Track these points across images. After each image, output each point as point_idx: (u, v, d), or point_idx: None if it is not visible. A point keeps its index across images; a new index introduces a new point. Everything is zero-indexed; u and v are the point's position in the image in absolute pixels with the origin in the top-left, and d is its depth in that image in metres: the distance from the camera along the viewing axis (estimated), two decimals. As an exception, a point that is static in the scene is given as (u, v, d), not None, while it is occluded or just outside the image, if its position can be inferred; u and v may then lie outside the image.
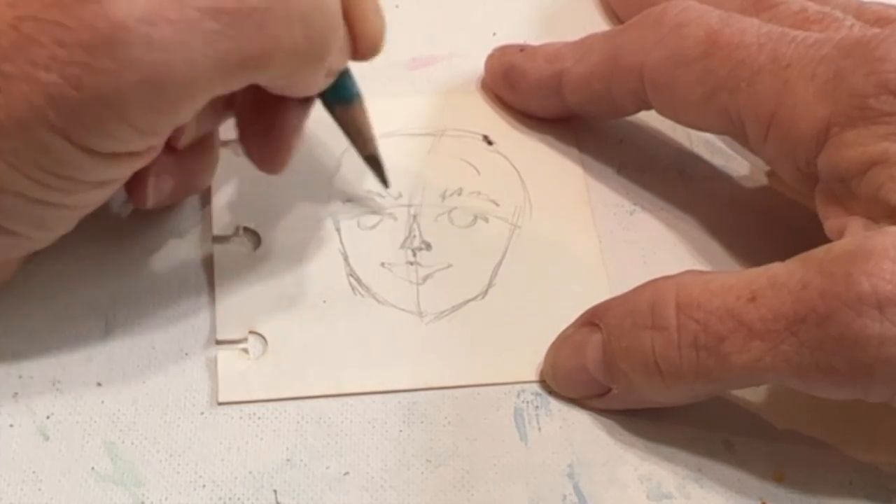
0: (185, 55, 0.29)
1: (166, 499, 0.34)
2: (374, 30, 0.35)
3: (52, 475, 0.34)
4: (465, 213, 0.41)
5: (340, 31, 0.33)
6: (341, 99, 0.38)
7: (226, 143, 0.41)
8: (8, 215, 0.31)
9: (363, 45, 0.35)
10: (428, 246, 0.40)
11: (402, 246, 0.40)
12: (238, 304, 0.38)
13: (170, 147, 0.35)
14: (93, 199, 0.33)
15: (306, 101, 0.37)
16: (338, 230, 0.40)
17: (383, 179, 0.40)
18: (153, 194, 0.37)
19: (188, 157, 0.37)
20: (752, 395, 0.37)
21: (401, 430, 0.36)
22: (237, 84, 0.32)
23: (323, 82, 0.35)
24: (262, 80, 0.33)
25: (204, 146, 0.37)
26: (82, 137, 0.30)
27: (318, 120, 0.39)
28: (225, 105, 0.36)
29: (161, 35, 0.29)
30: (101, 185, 0.32)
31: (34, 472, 0.34)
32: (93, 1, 0.29)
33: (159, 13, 0.29)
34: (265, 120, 0.36)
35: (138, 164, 0.32)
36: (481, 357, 0.38)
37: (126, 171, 0.32)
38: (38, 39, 0.29)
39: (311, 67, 0.33)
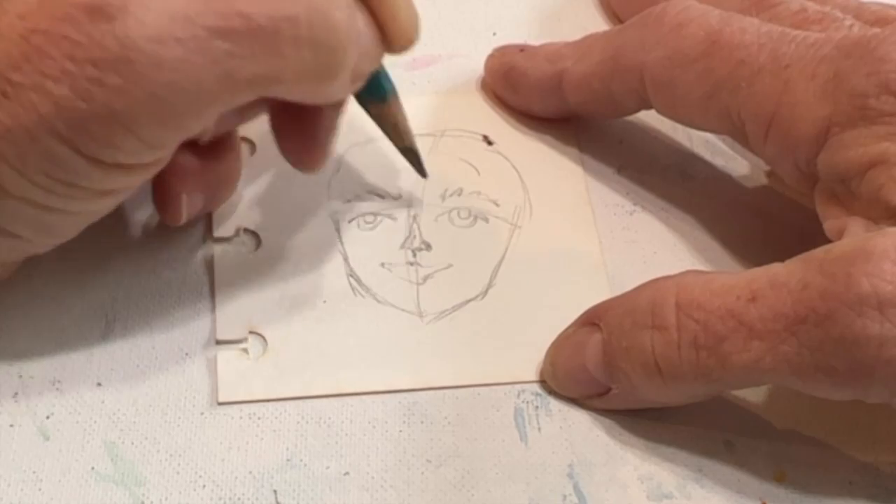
0: (193, 74, 0.30)
1: (166, 499, 0.34)
2: (407, 24, 0.35)
3: (52, 475, 0.34)
4: (465, 213, 0.41)
5: (353, 49, 0.33)
6: (374, 98, 0.38)
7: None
8: (13, 219, 0.31)
9: (397, 42, 0.35)
10: (428, 246, 0.40)
11: (402, 246, 0.40)
12: (238, 304, 0.38)
13: (197, 161, 0.36)
14: (98, 208, 0.33)
15: (338, 102, 0.37)
16: (338, 230, 0.40)
17: (421, 170, 0.40)
18: (186, 211, 0.37)
19: (215, 169, 0.37)
20: (753, 395, 0.37)
21: (401, 430, 0.36)
22: (246, 100, 0.32)
23: (349, 88, 0.35)
24: (275, 94, 0.33)
25: (229, 156, 0.37)
26: (89, 148, 0.30)
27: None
28: (248, 107, 0.37)
29: (170, 54, 0.29)
30: (107, 194, 0.32)
31: (34, 472, 0.34)
32: (104, 19, 0.29)
33: (169, 33, 0.29)
34: (298, 120, 0.36)
35: (145, 175, 0.33)
36: (481, 357, 0.38)
37: (132, 181, 0.33)
38: (48, 52, 0.29)
39: (322, 85, 0.33)
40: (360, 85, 0.35)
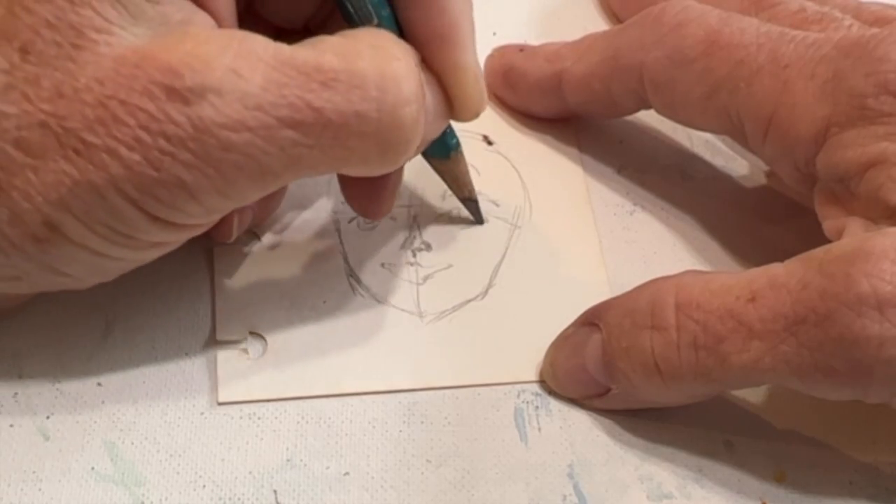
0: (260, 158, 0.30)
1: (166, 499, 0.34)
2: (476, 99, 0.35)
3: (52, 475, 0.34)
4: (465, 213, 0.41)
5: (419, 140, 0.33)
6: (438, 155, 0.39)
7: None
8: (69, 262, 0.32)
9: (463, 114, 0.36)
10: (428, 246, 0.40)
11: (402, 246, 0.40)
12: (238, 304, 0.38)
13: None
14: (151, 256, 0.33)
15: None
16: (338, 230, 0.40)
17: (479, 218, 0.41)
18: (237, 230, 0.37)
19: None
20: (753, 395, 0.37)
21: (401, 430, 0.36)
22: (309, 176, 0.33)
23: (415, 154, 0.35)
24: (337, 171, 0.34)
25: None
26: (154, 209, 0.30)
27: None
28: None
29: (240, 140, 0.30)
30: (162, 246, 0.33)
31: (34, 472, 0.34)
32: (181, 101, 0.29)
33: (241, 121, 0.30)
34: (368, 184, 0.37)
35: (203, 230, 0.33)
36: (481, 357, 0.38)
37: (189, 235, 0.33)
38: (124, 120, 0.29)
39: (384, 168, 0.33)
40: (421, 151, 0.36)
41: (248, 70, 0.30)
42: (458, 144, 0.38)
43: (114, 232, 0.31)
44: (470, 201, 0.40)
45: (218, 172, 0.30)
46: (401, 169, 0.37)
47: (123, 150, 0.29)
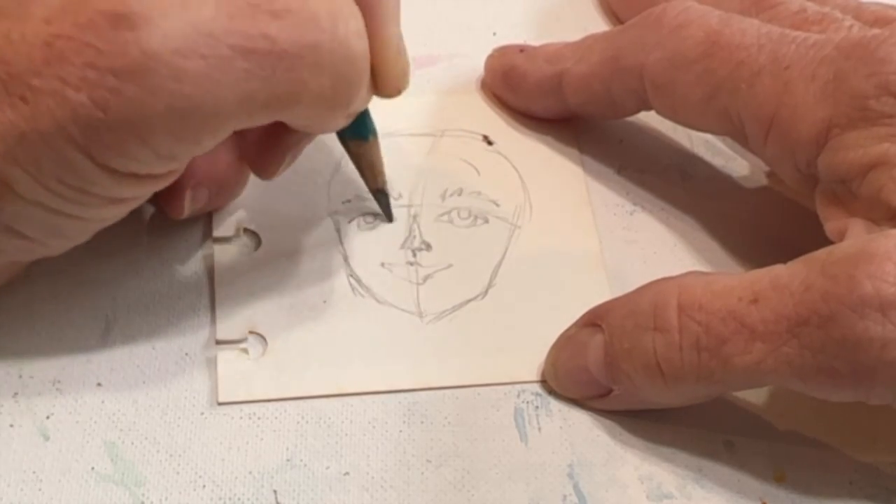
0: (212, 90, 0.30)
1: (166, 499, 0.34)
2: (398, 73, 0.35)
3: (52, 475, 0.34)
4: (465, 213, 0.41)
5: (367, 80, 0.33)
6: (357, 136, 0.38)
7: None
8: (24, 221, 0.31)
9: (386, 88, 0.35)
10: (428, 246, 0.40)
11: (402, 246, 0.40)
12: (238, 304, 0.38)
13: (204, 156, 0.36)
14: (110, 214, 0.33)
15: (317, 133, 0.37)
16: (338, 230, 0.40)
17: (388, 213, 0.40)
18: (189, 206, 0.37)
19: (222, 165, 0.37)
20: (753, 395, 0.37)
21: (401, 430, 0.36)
22: (260, 122, 0.32)
23: (343, 123, 0.35)
24: (285, 119, 0.33)
25: (235, 153, 0.38)
26: (104, 157, 0.30)
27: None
28: None
29: (192, 69, 0.29)
30: (118, 202, 0.33)
31: (34, 472, 0.34)
32: (127, 27, 0.29)
33: (192, 47, 0.29)
34: (269, 134, 0.36)
35: (157, 186, 0.33)
36: (481, 357, 0.38)
37: (144, 190, 0.33)
38: (69, 59, 0.29)
39: (334, 112, 0.33)
40: (349, 121, 0.35)
41: (196, 1, 0.29)
42: (376, 132, 0.38)
43: (66, 186, 0.30)
44: (381, 194, 0.40)
45: (168, 109, 0.29)
46: (305, 143, 0.37)
47: (70, 92, 0.29)
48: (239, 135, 0.36)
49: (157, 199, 0.36)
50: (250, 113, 0.31)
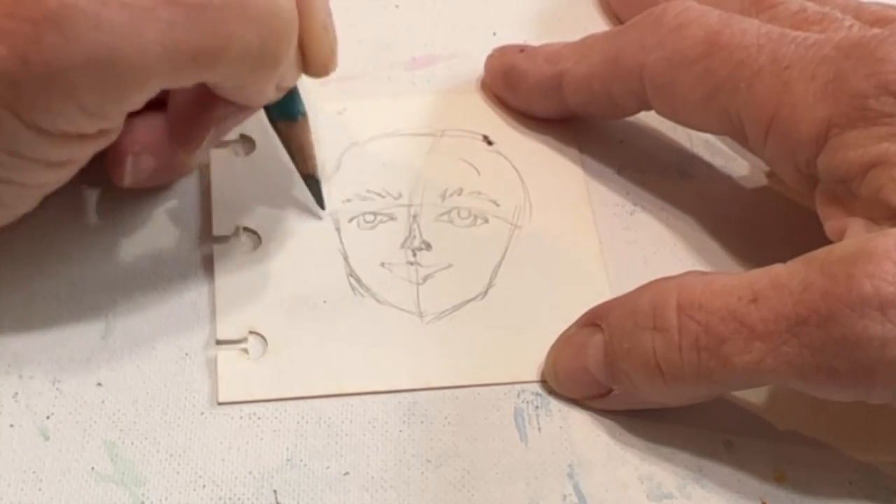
0: (135, 40, 0.29)
1: (166, 499, 0.34)
2: (325, 49, 0.35)
3: (52, 475, 0.34)
4: (465, 213, 0.41)
5: (294, 41, 0.33)
6: (286, 115, 0.38)
7: (226, 143, 0.41)
8: None
9: (314, 66, 0.35)
10: (428, 246, 0.40)
11: (402, 246, 0.40)
12: (238, 304, 0.38)
13: (146, 122, 0.35)
14: (49, 179, 0.33)
15: (244, 108, 0.36)
16: (338, 230, 0.40)
17: (320, 201, 0.40)
18: (131, 173, 0.37)
19: (170, 136, 0.37)
20: (753, 395, 0.37)
21: (401, 430, 0.36)
22: (186, 80, 0.32)
23: (272, 95, 0.35)
24: (213, 78, 0.33)
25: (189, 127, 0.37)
26: (30, 114, 0.30)
27: (319, 120, 0.39)
28: None
29: (112, 17, 0.29)
30: (56, 166, 0.32)
31: (34, 472, 0.34)
32: None
33: None
34: (194, 100, 0.36)
35: (93, 147, 0.32)
36: (481, 357, 0.37)
37: (80, 152, 0.32)
38: None
39: (261, 73, 0.33)
40: (279, 96, 0.35)
41: None
42: (306, 113, 0.38)
43: None
44: (312, 180, 0.40)
45: (90, 60, 0.29)
46: (227, 122, 0.36)
47: None
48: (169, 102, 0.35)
49: (104, 167, 0.36)
50: (174, 66, 0.31)
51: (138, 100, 0.32)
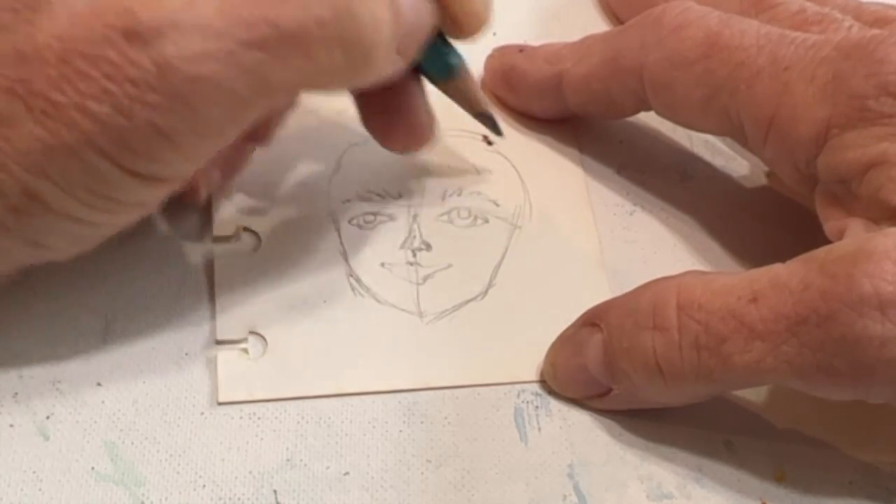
0: (228, 85, 0.30)
1: (166, 499, 0.34)
2: (478, 7, 0.34)
3: (52, 475, 0.34)
4: (464, 213, 0.41)
5: (386, 39, 0.32)
6: (440, 75, 0.38)
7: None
8: (49, 233, 0.32)
9: (466, 27, 0.35)
10: (428, 246, 0.40)
11: (402, 246, 0.40)
12: (238, 304, 0.38)
13: None
14: (130, 219, 0.33)
15: (413, 75, 0.36)
16: (338, 230, 0.40)
17: (497, 130, 0.40)
18: (205, 190, 0.37)
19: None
20: (753, 395, 0.37)
21: (401, 430, 0.36)
22: (280, 102, 0.33)
23: (396, 66, 0.34)
24: (310, 92, 0.33)
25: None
26: (130, 162, 0.30)
27: (318, 119, 0.39)
28: None
29: (205, 70, 0.30)
30: (141, 206, 0.33)
31: (34, 472, 0.34)
32: (140, 42, 0.29)
33: (202, 51, 0.29)
34: (380, 99, 0.36)
35: (178, 185, 0.33)
36: (481, 357, 0.38)
37: (167, 192, 0.33)
38: (87, 73, 0.29)
39: (352, 82, 0.33)
40: (409, 61, 0.35)
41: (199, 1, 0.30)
42: (459, 63, 0.37)
43: (93, 195, 0.31)
44: (485, 116, 0.40)
45: (189, 108, 0.30)
46: (419, 96, 0.37)
47: (92, 104, 0.29)
48: (361, 112, 0.36)
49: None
50: (269, 98, 0.32)
51: (234, 134, 0.32)
